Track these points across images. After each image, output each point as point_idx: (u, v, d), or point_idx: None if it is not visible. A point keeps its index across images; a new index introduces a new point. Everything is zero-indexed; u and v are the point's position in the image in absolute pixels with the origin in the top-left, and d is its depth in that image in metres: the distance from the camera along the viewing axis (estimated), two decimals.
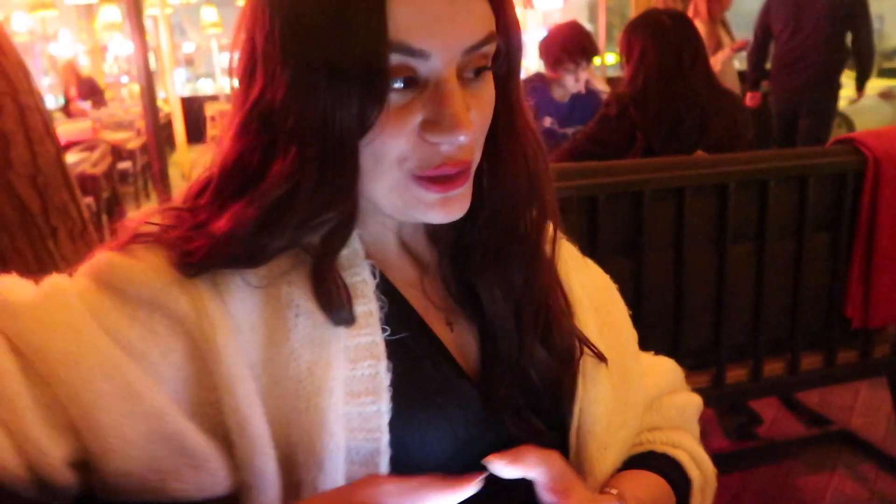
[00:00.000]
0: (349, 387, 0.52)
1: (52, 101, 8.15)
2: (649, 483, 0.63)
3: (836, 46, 3.94)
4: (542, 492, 0.53)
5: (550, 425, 0.62)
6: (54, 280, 0.53)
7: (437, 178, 0.52)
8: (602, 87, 3.05)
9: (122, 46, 10.98)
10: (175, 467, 0.48)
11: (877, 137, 1.68)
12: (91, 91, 8.03)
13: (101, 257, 0.53)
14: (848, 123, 6.50)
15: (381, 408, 0.52)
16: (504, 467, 0.51)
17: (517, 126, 0.58)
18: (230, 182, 0.54)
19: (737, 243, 1.64)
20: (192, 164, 8.11)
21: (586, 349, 0.64)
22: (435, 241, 0.63)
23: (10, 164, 2.60)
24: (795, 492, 1.96)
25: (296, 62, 0.49)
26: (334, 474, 0.50)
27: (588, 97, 2.86)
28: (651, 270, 1.59)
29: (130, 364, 0.48)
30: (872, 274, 1.69)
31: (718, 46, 3.95)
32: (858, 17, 3.89)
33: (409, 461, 0.53)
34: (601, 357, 0.64)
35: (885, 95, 7.17)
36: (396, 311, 0.56)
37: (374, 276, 0.55)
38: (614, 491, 0.59)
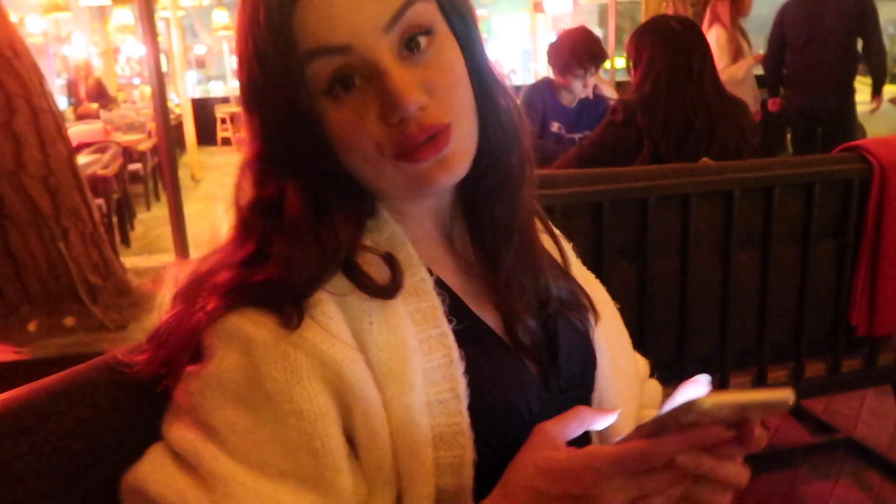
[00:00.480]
0: (427, 377, 0.56)
1: (63, 103, 8.21)
2: None
3: (849, 52, 3.96)
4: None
5: (584, 399, 0.68)
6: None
7: (417, 148, 0.54)
8: (610, 93, 3.06)
9: (134, 48, 11.06)
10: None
11: (883, 145, 1.67)
12: (99, 94, 8.09)
13: (237, 325, 0.54)
14: (861, 130, 6.47)
15: (460, 392, 0.56)
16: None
17: (487, 84, 0.61)
18: (258, 218, 0.57)
19: (742, 250, 1.65)
20: (201, 166, 8.17)
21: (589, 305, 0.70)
22: (474, 232, 0.67)
23: (23, 165, 2.63)
24: (799, 499, 1.96)
25: (255, 111, 0.57)
26: (425, 462, 0.54)
27: (596, 102, 2.87)
28: (656, 277, 1.60)
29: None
30: (878, 282, 1.69)
31: (739, 52, 3.97)
32: (868, 23, 3.90)
33: (488, 440, 0.57)
34: (595, 311, 0.70)
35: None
36: (453, 304, 0.60)
37: (431, 275, 0.60)
38: None
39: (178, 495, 0.50)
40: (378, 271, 0.57)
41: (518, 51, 15.96)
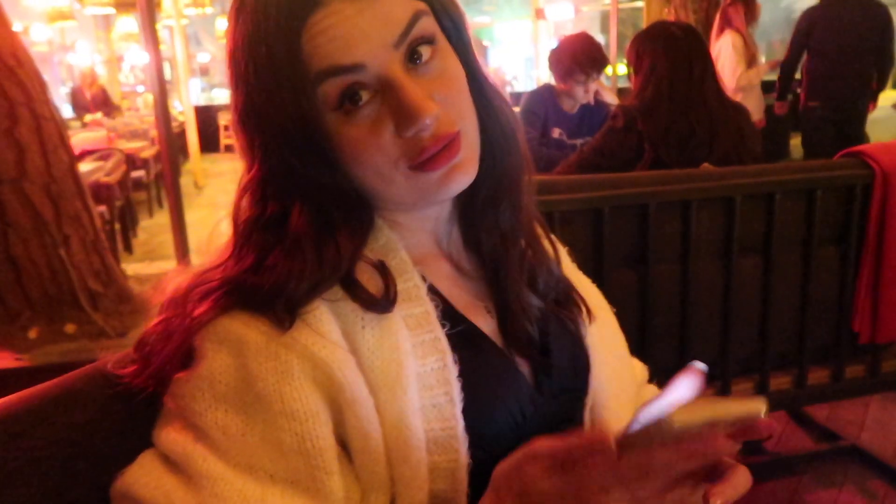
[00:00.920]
0: (421, 381, 0.56)
1: (68, 111, 8.24)
2: None
3: (871, 57, 4.04)
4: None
5: (578, 403, 0.68)
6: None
7: (431, 159, 0.55)
8: (611, 99, 3.05)
9: (138, 56, 11.12)
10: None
11: (885, 151, 1.67)
12: (103, 101, 8.12)
13: (229, 327, 0.54)
14: (865, 136, 6.48)
15: (454, 396, 0.56)
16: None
17: (484, 88, 0.62)
18: (256, 230, 0.57)
19: (743, 256, 1.64)
20: (204, 173, 8.19)
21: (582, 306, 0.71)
22: (469, 237, 0.68)
23: (25, 172, 2.65)
24: None
25: (254, 131, 0.57)
26: (419, 466, 0.54)
27: (597, 108, 2.86)
28: (657, 283, 1.59)
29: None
30: (881, 288, 1.67)
31: (753, 57, 3.99)
32: (888, 32, 3.97)
33: (482, 444, 0.57)
34: (589, 312, 0.71)
35: None
36: (446, 310, 0.60)
37: (424, 281, 0.60)
38: None
39: (165, 497, 0.50)
40: (371, 281, 0.57)
41: (520, 58, 15.99)
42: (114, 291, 2.82)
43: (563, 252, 0.77)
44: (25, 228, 2.62)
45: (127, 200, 5.15)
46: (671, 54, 1.96)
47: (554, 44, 4.53)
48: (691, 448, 0.43)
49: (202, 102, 13.32)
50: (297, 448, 0.51)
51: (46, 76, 2.90)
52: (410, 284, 0.59)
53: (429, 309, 0.58)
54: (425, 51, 0.55)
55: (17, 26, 3.04)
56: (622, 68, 8.89)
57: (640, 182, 1.60)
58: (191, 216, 4.59)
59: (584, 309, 0.71)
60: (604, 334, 0.72)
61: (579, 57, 2.73)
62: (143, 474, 0.53)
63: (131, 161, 5.75)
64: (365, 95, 0.54)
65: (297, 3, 0.52)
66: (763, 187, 1.61)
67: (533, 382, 0.64)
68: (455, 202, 0.65)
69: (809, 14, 4.12)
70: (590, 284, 0.77)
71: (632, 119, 1.96)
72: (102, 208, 4.09)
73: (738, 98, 3.96)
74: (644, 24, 5.59)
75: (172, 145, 2.96)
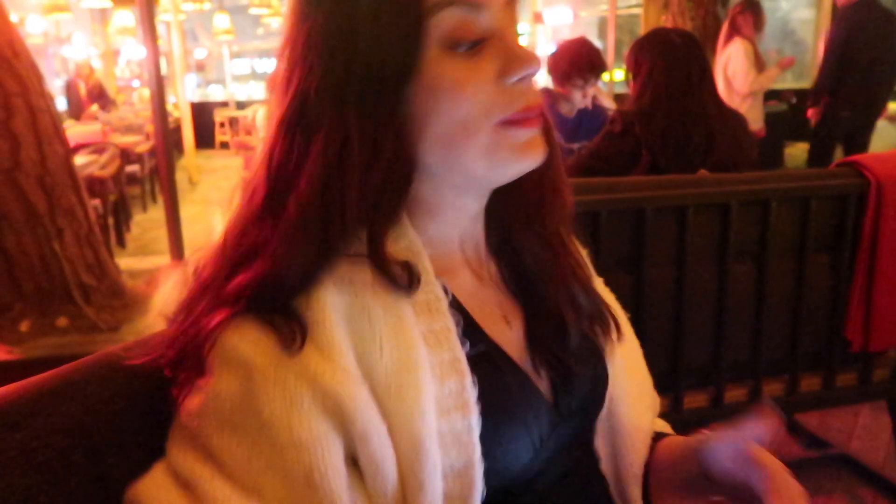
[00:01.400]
0: (439, 405, 0.53)
1: (63, 104, 8.20)
2: None
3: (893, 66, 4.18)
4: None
5: (592, 416, 0.67)
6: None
7: (523, 118, 0.55)
8: (609, 104, 3.07)
9: (134, 51, 11.07)
10: None
11: (880, 161, 1.68)
12: (99, 95, 8.08)
13: (234, 344, 0.52)
14: None
15: (472, 422, 0.53)
16: None
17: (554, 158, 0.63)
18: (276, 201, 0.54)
19: (738, 262, 1.65)
20: (199, 169, 8.16)
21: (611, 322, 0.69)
22: (493, 242, 0.66)
23: (20, 164, 2.63)
24: None
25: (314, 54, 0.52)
26: (434, 492, 0.52)
27: (595, 113, 2.87)
28: (652, 288, 1.59)
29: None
30: (873, 297, 1.69)
31: (761, 63, 4.05)
32: None
33: (497, 469, 0.55)
34: (618, 328, 0.69)
35: (894, 119, 7.20)
36: (467, 326, 0.58)
37: (447, 294, 0.57)
38: None
39: None
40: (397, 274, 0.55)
41: None
42: (106, 285, 2.80)
43: (588, 260, 0.75)
44: (18, 220, 2.60)
45: (121, 195, 5.13)
46: (669, 60, 1.97)
47: (552, 48, 4.55)
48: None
49: (198, 98, 13.27)
50: (305, 479, 0.49)
51: (42, 69, 2.88)
52: (432, 296, 0.56)
53: (449, 325, 0.55)
54: (512, 10, 0.56)
55: (12, 17, 3.02)
56: (619, 74, 8.92)
57: (637, 186, 1.61)
58: (185, 212, 4.57)
59: (612, 326, 0.69)
60: (625, 352, 0.71)
61: (578, 61, 2.74)
62: (154, 489, 0.52)
63: (126, 155, 5.73)
64: (472, 36, 0.53)
65: None
66: (759, 194, 1.62)
67: (552, 400, 0.62)
68: (486, 202, 0.63)
69: (847, 26, 4.18)
70: (609, 293, 0.76)
71: (629, 124, 1.97)
72: (96, 202, 4.07)
73: (747, 104, 4.03)
74: (642, 31, 5.61)
75: (168, 141, 2.94)
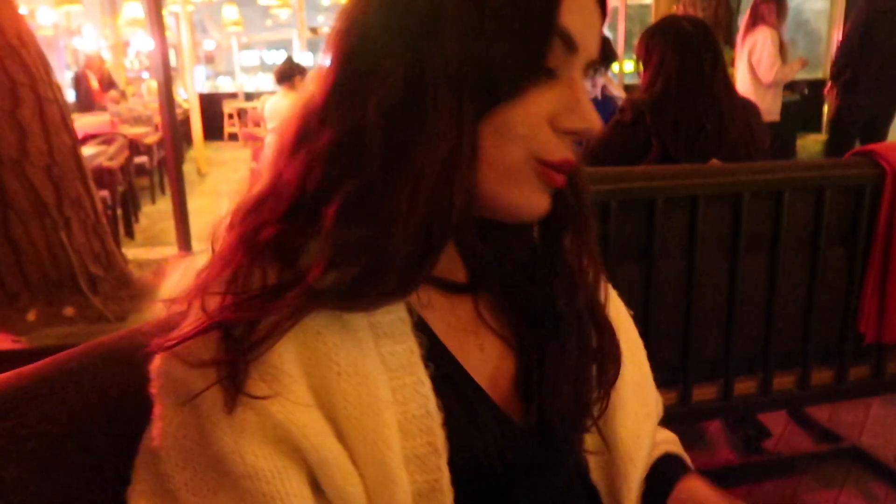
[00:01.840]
0: (403, 430, 0.51)
1: (72, 96, 8.22)
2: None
3: None
4: None
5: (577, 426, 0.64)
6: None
7: (557, 168, 0.53)
8: (619, 93, 3.03)
9: (144, 42, 11.09)
10: None
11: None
12: (109, 86, 8.11)
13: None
14: None
15: (437, 446, 0.51)
16: None
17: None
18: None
19: (750, 254, 1.62)
20: (208, 161, 8.18)
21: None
22: (470, 261, 0.62)
23: (27, 154, 2.63)
24: None
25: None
26: None
27: (604, 103, 2.85)
28: (662, 279, 1.57)
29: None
30: (887, 289, 1.66)
31: (786, 54, 4.04)
32: None
33: (467, 490, 0.53)
34: (617, 363, 0.66)
35: None
36: (432, 348, 0.55)
37: (411, 315, 0.54)
38: None
39: None
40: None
41: None
42: (114, 276, 2.80)
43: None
44: (26, 210, 2.61)
45: (129, 186, 5.14)
46: (681, 49, 1.94)
47: None
48: None
49: (207, 90, 13.29)
50: None
51: (52, 61, 2.88)
52: (394, 317, 0.53)
53: (413, 347, 0.53)
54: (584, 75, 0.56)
55: (22, 9, 3.02)
56: (629, 65, 8.85)
57: (648, 176, 1.58)
58: (193, 204, 4.58)
59: (613, 356, 0.65)
60: (627, 357, 0.67)
61: None
62: None
63: (134, 147, 5.74)
64: (549, 74, 0.52)
65: None
66: (772, 185, 1.59)
67: (523, 423, 0.59)
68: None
69: (864, 7, 4.15)
70: (617, 299, 0.72)
71: (640, 113, 1.94)
72: (104, 193, 4.08)
73: (771, 94, 4.00)
74: (652, 21, 5.56)
75: (176, 132, 2.94)
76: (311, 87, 0.52)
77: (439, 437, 0.51)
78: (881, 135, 4.17)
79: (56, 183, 2.68)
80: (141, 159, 6.03)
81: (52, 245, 2.64)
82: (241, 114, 10.51)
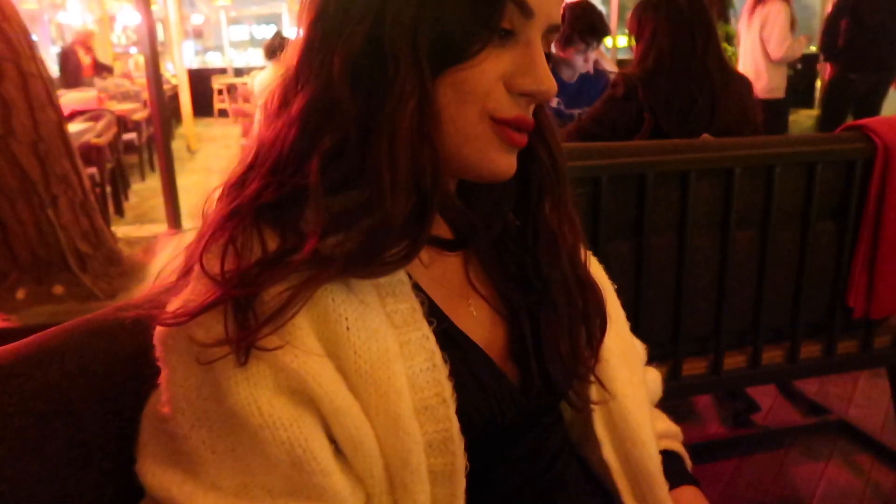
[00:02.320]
0: (412, 382, 0.52)
1: (57, 71, 8.08)
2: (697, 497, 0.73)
3: None
4: None
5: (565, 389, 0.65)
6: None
7: (512, 125, 0.54)
8: (611, 68, 3.01)
9: (131, 17, 10.90)
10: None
11: (888, 125, 1.64)
12: (95, 62, 7.98)
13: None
14: None
15: (445, 396, 0.53)
16: None
17: (547, 119, 0.63)
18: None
19: (740, 229, 1.62)
20: (198, 138, 8.10)
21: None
22: (456, 224, 0.63)
23: (12, 130, 2.59)
24: (790, 480, 1.96)
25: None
26: (419, 470, 0.51)
27: (596, 78, 2.82)
28: (653, 254, 1.57)
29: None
30: (877, 264, 1.66)
31: (795, 29, 4.02)
32: None
33: (476, 442, 0.55)
34: (604, 319, 0.68)
35: None
36: (431, 307, 0.57)
37: (410, 278, 0.56)
38: None
39: None
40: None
41: None
42: (103, 253, 2.78)
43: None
44: (12, 188, 2.57)
45: (118, 163, 5.08)
46: (673, 21, 1.92)
47: None
48: None
49: (195, 66, 13.11)
50: (288, 458, 0.48)
51: (36, 35, 2.83)
52: (395, 279, 0.55)
53: (415, 305, 0.55)
54: (547, 42, 0.57)
55: None
56: (622, 40, 8.78)
57: (639, 151, 1.57)
58: (183, 181, 4.54)
59: (601, 311, 0.67)
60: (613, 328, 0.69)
61: (579, 25, 2.68)
62: None
63: (123, 123, 5.67)
64: (506, 35, 0.53)
65: None
66: (763, 160, 1.59)
67: (519, 384, 0.61)
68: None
69: None
70: (601, 271, 0.74)
71: (632, 88, 1.92)
72: (92, 170, 4.03)
73: (781, 70, 3.99)
74: None
75: (164, 109, 2.90)
76: (288, 58, 0.54)
77: (447, 388, 0.53)
78: (875, 110, 4.17)
79: (42, 160, 2.64)
80: (129, 136, 5.97)
81: (41, 223, 2.62)
82: (231, 90, 10.39)
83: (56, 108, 2.76)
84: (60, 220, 2.64)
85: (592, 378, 0.66)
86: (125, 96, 6.87)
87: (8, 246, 2.59)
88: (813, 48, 4.76)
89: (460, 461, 0.53)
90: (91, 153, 4.14)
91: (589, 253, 0.72)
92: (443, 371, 0.53)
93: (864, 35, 4.08)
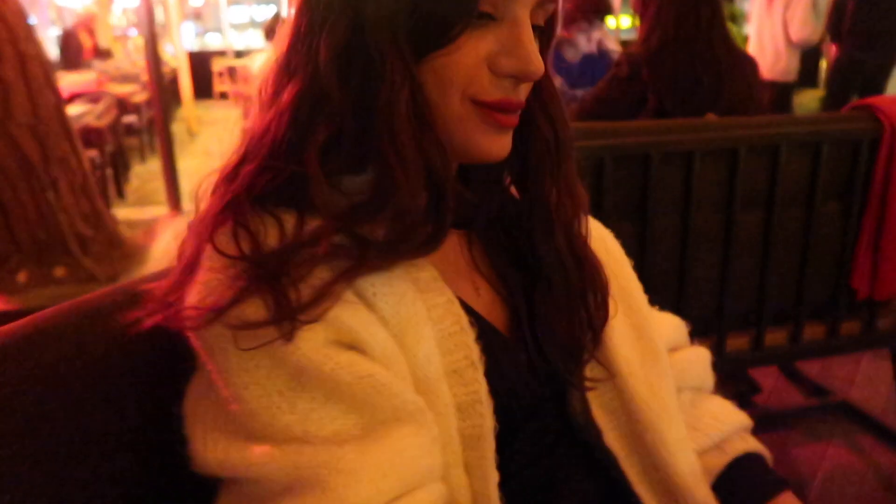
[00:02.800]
0: (441, 345, 0.53)
1: (56, 54, 8.02)
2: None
3: None
4: None
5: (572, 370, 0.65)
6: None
7: (496, 108, 0.52)
8: (615, 48, 2.98)
9: None
10: None
11: (895, 104, 1.62)
12: (93, 45, 7.93)
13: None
14: None
15: (475, 360, 0.54)
16: None
17: (550, 91, 0.61)
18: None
19: (745, 210, 1.61)
20: (198, 120, 8.06)
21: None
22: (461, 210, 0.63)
23: (11, 113, 2.57)
24: (793, 461, 1.96)
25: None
26: (451, 432, 0.52)
27: (600, 58, 2.79)
28: (656, 235, 1.56)
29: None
30: (882, 245, 1.65)
31: (817, 11, 3.98)
32: None
33: (502, 405, 0.55)
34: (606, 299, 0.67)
35: None
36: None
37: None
38: None
39: None
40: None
41: None
42: (104, 236, 2.78)
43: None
44: (12, 170, 2.56)
45: (118, 145, 5.06)
46: (678, 0, 1.89)
47: None
48: None
49: (196, 48, 13.01)
50: (372, 387, 0.47)
51: (35, 17, 2.80)
52: None
53: (434, 275, 0.55)
54: (544, 13, 0.55)
55: None
56: (625, 20, 8.69)
57: (643, 131, 1.56)
58: (184, 163, 4.53)
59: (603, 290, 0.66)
60: (625, 308, 0.69)
61: (582, 4, 2.65)
62: None
63: (123, 105, 5.64)
64: (487, 16, 0.52)
65: None
66: (768, 139, 1.57)
67: (527, 365, 0.61)
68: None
69: None
70: (608, 234, 0.74)
71: (636, 67, 1.90)
72: (93, 153, 4.01)
73: (796, 53, 3.94)
74: None
75: (163, 91, 2.88)
76: (279, 43, 0.53)
77: (475, 350, 0.54)
78: (880, 91, 4.13)
79: (41, 142, 2.63)
80: (130, 118, 5.94)
81: (41, 206, 2.61)
82: (231, 72, 10.31)
83: (54, 89, 2.74)
84: (60, 203, 2.63)
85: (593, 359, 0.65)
86: (125, 78, 6.83)
87: (9, 229, 2.59)
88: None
89: (489, 423, 0.53)
90: (91, 136, 4.12)
91: (606, 231, 0.74)
92: (470, 334, 0.54)
93: (871, 16, 4.03)
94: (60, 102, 2.79)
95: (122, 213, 3.99)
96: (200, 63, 10.42)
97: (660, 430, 0.64)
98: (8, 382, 0.50)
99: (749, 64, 2.01)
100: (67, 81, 5.13)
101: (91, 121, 4.24)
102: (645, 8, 1.96)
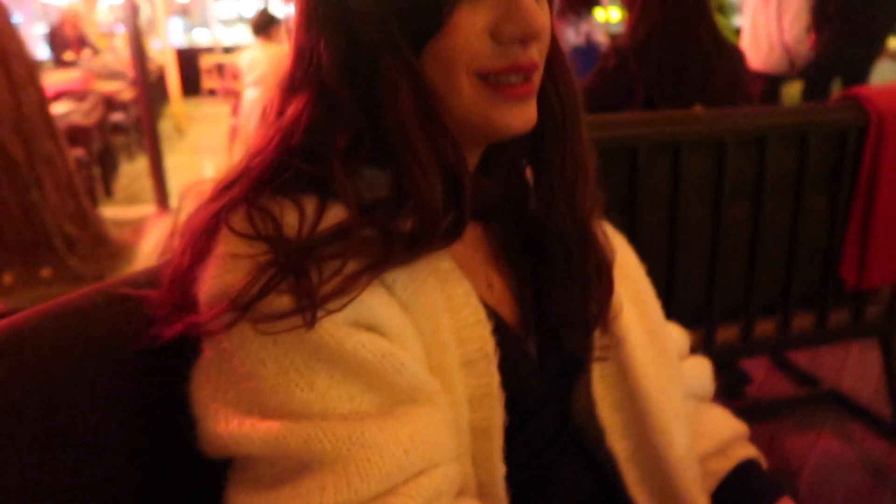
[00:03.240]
0: (459, 336, 0.53)
1: (42, 52, 7.94)
2: None
3: None
4: None
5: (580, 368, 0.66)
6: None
7: (506, 79, 0.51)
8: (604, 40, 2.97)
9: None
10: None
11: (881, 94, 1.62)
12: (80, 41, 7.85)
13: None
14: None
15: (489, 352, 0.54)
16: None
17: (561, 59, 0.60)
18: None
19: (733, 202, 1.61)
20: (187, 117, 8.00)
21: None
22: (482, 205, 0.63)
23: None
24: (783, 451, 1.97)
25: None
26: (462, 423, 0.53)
27: (589, 50, 2.79)
28: (644, 228, 1.56)
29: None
30: (870, 234, 1.66)
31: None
32: None
33: (508, 402, 0.55)
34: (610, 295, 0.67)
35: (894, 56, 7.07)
36: None
37: None
38: None
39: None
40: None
41: None
42: (90, 235, 2.75)
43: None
44: None
45: (105, 143, 5.02)
46: None
47: None
48: None
49: (183, 44, 12.91)
50: (391, 366, 0.48)
51: (21, 15, 2.77)
52: None
53: (452, 266, 0.55)
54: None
55: None
56: (615, 13, 8.68)
57: (630, 124, 1.55)
58: (172, 161, 4.49)
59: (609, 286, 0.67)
60: (637, 309, 0.70)
61: None
62: None
63: (110, 103, 5.59)
64: None
65: None
66: (755, 131, 1.57)
67: (538, 360, 0.62)
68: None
69: None
70: (622, 240, 0.75)
71: (624, 59, 1.89)
72: (79, 151, 3.97)
73: (796, 50, 3.94)
74: None
75: (149, 88, 2.85)
76: (282, 62, 0.54)
77: (490, 343, 0.54)
78: (863, 81, 4.13)
79: (25, 140, 2.60)
80: (117, 116, 5.88)
81: (26, 205, 2.58)
82: (220, 68, 10.23)
83: (38, 87, 2.71)
84: (46, 202, 2.61)
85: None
86: (112, 75, 6.76)
87: None
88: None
89: (499, 416, 0.53)
90: (78, 134, 4.08)
91: (620, 237, 0.76)
92: (487, 326, 0.54)
93: (855, 8, 4.04)
94: (44, 100, 2.76)
95: (109, 211, 3.95)
96: (188, 59, 10.34)
97: (670, 434, 0.64)
98: None
99: (736, 55, 2.01)
100: (53, 79, 5.08)
101: (78, 119, 4.20)
102: (632, 0, 1.95)
